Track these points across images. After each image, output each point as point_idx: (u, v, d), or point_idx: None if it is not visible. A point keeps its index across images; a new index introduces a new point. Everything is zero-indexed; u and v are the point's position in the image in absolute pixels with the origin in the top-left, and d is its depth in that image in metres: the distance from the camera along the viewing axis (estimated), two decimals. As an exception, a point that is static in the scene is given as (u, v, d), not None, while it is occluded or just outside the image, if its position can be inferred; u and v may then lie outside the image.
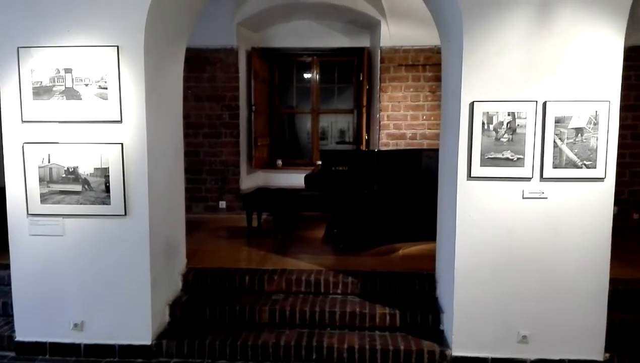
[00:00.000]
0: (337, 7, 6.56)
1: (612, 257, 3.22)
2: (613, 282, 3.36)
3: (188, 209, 4.28)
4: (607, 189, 3.18)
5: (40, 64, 3.24)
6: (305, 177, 5.29)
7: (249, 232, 5.58)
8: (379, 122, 6.84)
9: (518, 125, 3.16)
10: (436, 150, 4.10)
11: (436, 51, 6.47)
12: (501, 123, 3.16)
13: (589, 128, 3.14)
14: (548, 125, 3.14)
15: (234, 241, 5.42)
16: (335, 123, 8.83)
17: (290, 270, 4.19)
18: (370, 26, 6.95)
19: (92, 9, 3.20)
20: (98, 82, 3.25)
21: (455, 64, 3.28)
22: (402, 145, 6.81)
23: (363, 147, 7.29)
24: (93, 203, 3.33)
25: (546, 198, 3.20)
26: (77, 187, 3.32)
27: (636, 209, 6.12)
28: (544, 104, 3.13)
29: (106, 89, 3.25)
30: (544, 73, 3.11)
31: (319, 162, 7.17)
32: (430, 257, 4.16)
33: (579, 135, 3.14)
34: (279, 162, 7.69)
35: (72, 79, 3.26)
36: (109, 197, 3.33)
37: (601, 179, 3.17)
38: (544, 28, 3.08)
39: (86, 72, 3.25)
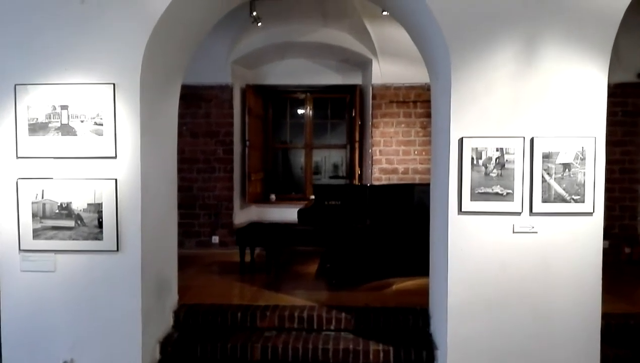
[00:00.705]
0: (329, 46, 6.74)
1: (604, 292, 3.23)
2: (606, 316, 3.36)
3: (180, 244, 4.27)
4: (596, 223, 3.22)
5: (37, 100, 3.29)
6: (299, 212, 5.31)
7: (241, 267, 5.55)
8: (372, 157, 6.92)
9: (507, 160, 3.22)
10: (428, 185, 4.15)
11: (426, 88, 6.62)
12: (490, 158, 3.22)
13: (576, 163, 3.20)
14: (536, 161, 3.21)
15: (227, 277, 5.38)
16: (329, 158, 8.92)
17: (283, 306, 4.15)
18: (362, 64, 7.12)
19: (89, 48, 3.28)
20: (94, 118, 3.29)
21: (444, 101, 3.36)
22: (394, 179, 6.87)
23: (356, 182, 7.34)
24: (85, 238, 3.33)
25: (536, 232, 3.23)
26: (70, 223, 3.32)
27: (627, 243, 6.16)
28: (532, 140, 3.20)
29: (102, 125, 3.29)
30: (530, 110, 3.20)
31: (313, 197, 7.21)
32: (424, 292, 4.15)
33: (567, 170, 3.20)
34: (273, 196, 7.71)
35: (68, 116, 3.30)
36: (101, 232, 3.32)
37: (590, 214, 3.21)
38: (530, 66, 3.18)
39: (82, 109, 3.29)
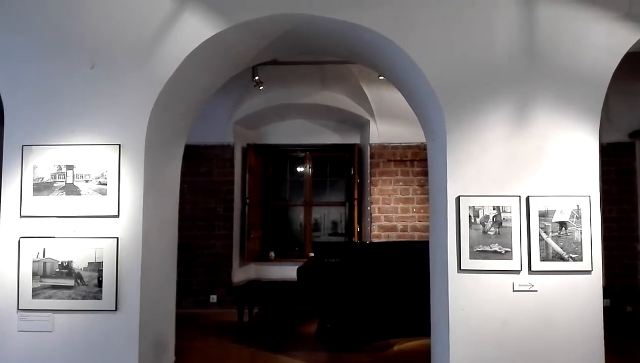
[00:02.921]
0: (328, 107, 6.96)
1: (607, 350, 3.19)
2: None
3: (178, 303, 4.23)
4: (594, 282, 3.23)
5: (43, 161, 3.37)
6: (298, 270, 5.30)
7: (239, 327, 5.46)
8: (370, 214, 6.97)
9: (504, 218, 3.26)
10: (427, 242, 4.16)
11: (423, 148, 6.77)
12: (487, 217, 3.27)
13: (572, 221, 3.25)
14: (532, 219, 3.25)
15: (225, 337, 5.29)
16: (328, 215, 8.95)
17: (282, 367, 4.07)
18: (360, 125, 7.31)
19: (97, 110, 3.39)
20: (98, 178, 3.36)
21: (440, 160, 3.45)
22: (393, 237, 6.88)
23: (355, 239, 7.35)
24: (84, 298, 3.31)
25: (536, 291, 3.23)
26: (70, 282, 3.32)
27: (629, 302, 6.10)
28: (527, 199, 3.26)
29: (106, 184, 3.35)
30: (525, 170, 3.28)
31: (312, 254, 7.19)
32: (426, 353, 4.08)
33: (563, 228, 3.25)
34: (272, 254, 7.69)
35: (73, 176, 3.37)
36: (100, 291, 3.31)
37: (588, 272, 3.22)
38: (522, 128, 3.29)
39: (87, 169, 3.37)
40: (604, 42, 3.28)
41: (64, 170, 3.38)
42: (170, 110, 3.66)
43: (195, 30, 3.37)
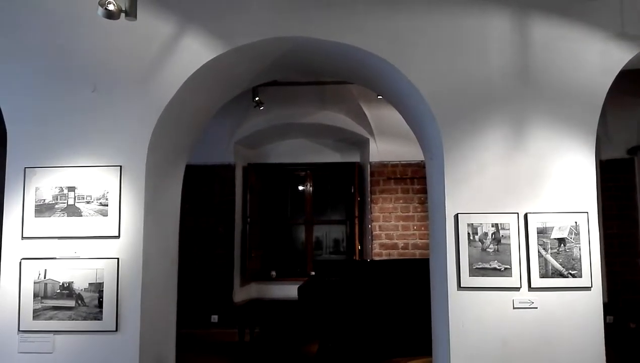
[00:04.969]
0: (328, 127, 7.02)
1: (610, 368, 3.18)
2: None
3: (179, 323, 4.22)
4: (595, 298, 3.22)
5: (45, 183, 3.40)
6: (299, 289, 5.29)
7: (241, 347, 5.43)
8: (371, 232, 6.97)
9: (502, 236, 3.28)
10: (428, 260, 4.17)
11: (422, 166, 6.78)
12: (486, 234, 3.28)
13: (571, 238, 3.25)
14: (531, 236, 3.26)
15: (226, 357, 5.26)
16: (329, 233, 8.96)
17: (283, 388, 4.04)
18: (360, 143, 7.37)
19: (98, 133, 3.43)
20: (99, 199, 3.39)
21: (438, 178, 3.48)
22: (394, 255, 6.88)
23: (356, 257, 7.34)
24: (85, 318, 3.31)
25: (536, 308, 3.22)
26: (71, 303, 3.33)
27: (632, 318, 6.06)
28: (525, 216, 3.27)
29: (107, 205, 3.38)
30: (522, 187, 3.30)
31: (313, 273, 7.18)
32: (427, 372, 4.06)
33: (562, 245, 3.25)
34: (273, 273, 7.67)
35: (75, 197, 3.40)
36: (101, 312, 3.32)
37: (588, 288, 3.22)
38: (519, 147, 3.32)
39: (89, 190, 3.40)
40: (598, 61, 3.33)
41: (65, 191, 3.41)
42: (171, 132, 3.71)
43: (195, 54, 3.43)
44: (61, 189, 3.41)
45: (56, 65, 3.47)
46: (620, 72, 3.34)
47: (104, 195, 3.39)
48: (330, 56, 3.75)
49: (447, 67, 3.40)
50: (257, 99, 5.79)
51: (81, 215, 3.38)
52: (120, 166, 3.41)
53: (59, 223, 3.38)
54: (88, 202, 3.39)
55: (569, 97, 3.34)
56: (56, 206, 3.40)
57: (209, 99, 3.96)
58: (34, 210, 3.39)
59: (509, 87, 3.37)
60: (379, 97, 5.50)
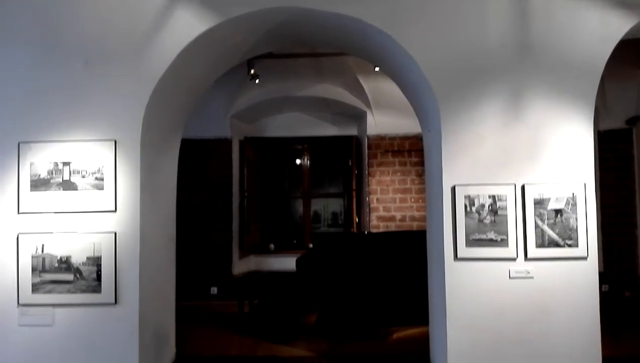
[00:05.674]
0: (325, 100, 6.95)
1: (605, 336, 3.22)
2: (607, 360, 3.32)
3: (179, 296, 4.26)
4: (590, 267, 3.25)
5: (40, 157, 3.38)
6: (297, 261, 5.33)
7: (240, 318, 5.50)
8: (369, 205, 6.99)
9: (499, 207, 3.28)
10: (425, 232, 4.18)
11: (420, 138, 6.73)
12: (483, 205, 3.29)
13: (568, 209, 3.26)
14: (528, 207, 3.27)
15: (225, 328, 5.33)
16: (328, 207, 8.98)
17: (282, 358, 4.10)
18: (357, 116, 7.31)
19: (92, 107, 3.40)
20: (95, 173, 3.38)
21: (436, 150, 3.46)
22: (392, 227, 6.91)
23: (354, 230, 7.37)
24: (84, 292, 3.34)
25: (532, 277, 3.26)
26: (69, 277, 3.34)
27: (627, 287, 6.13)
28: (522, 187, 3.27)
29: (102, 180, 3.37)
30: (520, 158, 3.29)
31: (311, 246, 7.23)
32: (425, 340, 4.11)
33: (559, 215, 3.26)
34: (272, 246, 7.72)
35: (70, 171, 3.39)
36: (99, 285, 3.34)
37: (584, 258, 3.25)
38: (517, 118, 3.30)
39: (84, 165, 3.38)
40: (597, 30, 3.28)
41: (60, 166, 3.39)
42: (165, 105, 3.67)
43: (188, 25, 3.37)
44: (56, 164, 3.39)
45: (48, 39, 3.41)
46: (619, 42, 3.29)
47: (99, 169, 3.38)
48: (325, 27, 3.68)
49: (445, 38, 3.35)
50: (252, 71, 5.71)
51: (77, 190, 3.37)
52: (115, 140, 3.38)
53: (55, 198, 3.37)
54: (83, 177, 3.38)
55: (567, 66, 3.30)
56: (51, 181, 3.38)
57: (204, 71, 3.91)
58: (29, 185, 3.38)
59: (507, 57, 3.32)
60: (376, 69, 5.44)
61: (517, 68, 3.31)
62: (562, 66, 3.30)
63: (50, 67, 3.41)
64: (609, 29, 3.28)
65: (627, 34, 3.32)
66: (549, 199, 3.26)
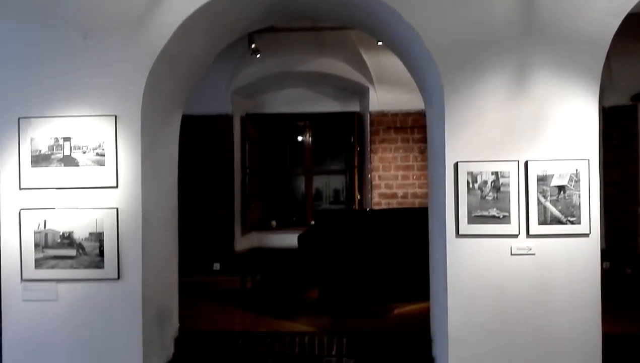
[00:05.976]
0: (327, 75, 6.87)
1: (606, 313, 3.24)
2: (607, 337, 3.35)
3: (181, 271, 4.29)
4: (592, 245, 3.25)
5: (40, 133, 3.37)
6: (299, 237, 5.34)
7: (242, 294, 5.55)
8: (371, 182, 6.98)
9: (502, 183, 3.26)
10: (427, 209, 4.18)
11: (423, 114, 6.68)
12: (485, 182, 3.27)
13: (571, 185, 3.24)
14: (531, 184, 3.25)
15: (228, 303, 5.38)
16: (329, 183, 8.98)
17: (284, 332, 4.15)
18: (360, 92, 7.24)
19: (92, 81, 3.37)
20: (95, 149, 3.36)
21: (439, 126, 3.43)
22: (394, 204, 6.91)
23: (356, 207, 7.38)
24: (87, 267, 3.36)
25: (534, 254, 3.26)
26: (72, 252, 3.36)
27: (629, 264, 6.15)
28: (526, 163, 3.25)
29: (103, 155, 3.36)
30: (523, 134, 3.26)
31: (313, 222, 7.24)
32: (426, 316, 4.15)
33: (562, 192, 3.25)
34: (273, 222, 7.74)
35: (71, 147, 3.37)
36: (102, 261, 3.36)
37: (586, 235, 3.24)
38: (521, 92, 3.26)
39: (84, 140, 3.37)
40: (604, 4, 3.20)
41: (61, 141, 3.38)
42: (166, 79, 3.63)
43: (188, -3, 3.31)
44: (56, 140, 3.38)
45: (46, 13, 3.36)
46: (626, 16, 3.22)
47: (100, 145, 3.36)
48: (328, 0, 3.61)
49: (449, 12, 3.28)
50: (253, 46, 5.64)
51: (78, 165, 3.36)
52: (115, 116, 3.36)
53: (56, 174, 3.36)
54: (84, 152, 3.37)
55: (573, 41, 3.23)
56: (52, 156, 3.37)
57: (204, 45, 3.85)
58: (30, 161, 3.38)
59: (512, 31, 3.26)
60: (379, 43, 5.36)
61: (522, 42, 3.25)
62: (568, 40, 3.24)
63: (49, 41, 3.37)
64: (616, 3, 3.20)
65: (635, 7, 3.24)
66: (552, 176, 3.24)
